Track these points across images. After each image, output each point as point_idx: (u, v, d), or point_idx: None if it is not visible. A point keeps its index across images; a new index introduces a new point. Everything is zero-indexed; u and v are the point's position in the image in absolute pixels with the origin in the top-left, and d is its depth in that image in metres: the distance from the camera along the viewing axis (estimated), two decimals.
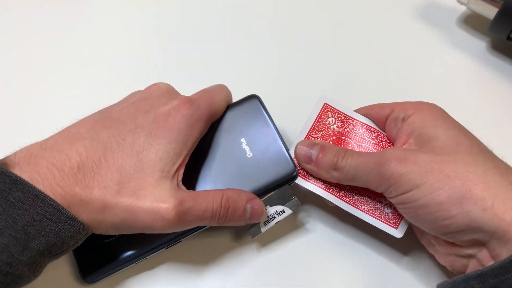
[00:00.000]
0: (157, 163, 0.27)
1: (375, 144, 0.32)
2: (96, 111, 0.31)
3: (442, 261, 0.29)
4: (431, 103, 0.31)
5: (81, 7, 0.45)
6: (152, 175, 0.27)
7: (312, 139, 0.32)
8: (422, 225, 0.28)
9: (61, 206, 0.24)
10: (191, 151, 0.29)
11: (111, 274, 0.31)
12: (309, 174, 0.32)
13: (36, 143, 0.27)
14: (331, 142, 0.32)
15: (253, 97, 0.34)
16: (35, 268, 0.24)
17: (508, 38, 0.39)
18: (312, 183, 0.31)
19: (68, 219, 0.25)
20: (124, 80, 0.41)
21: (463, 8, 0.43)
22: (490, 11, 0.39)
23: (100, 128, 0.28)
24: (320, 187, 0.31)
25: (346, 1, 0.46)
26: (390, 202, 0.30)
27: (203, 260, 0.33)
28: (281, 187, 0.31)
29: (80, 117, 0.30)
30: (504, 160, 0.28)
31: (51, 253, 0.25)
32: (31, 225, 0.24)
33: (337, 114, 0.31)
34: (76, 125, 0.29)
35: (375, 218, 0.30)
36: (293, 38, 0.44)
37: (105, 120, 0.29)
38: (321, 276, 0.33)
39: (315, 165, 0.31)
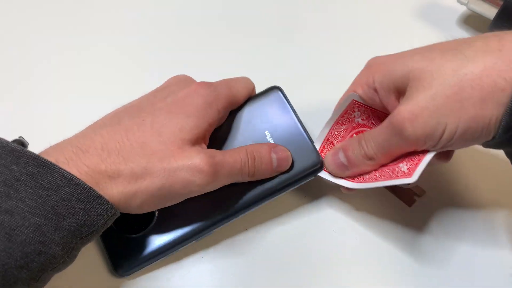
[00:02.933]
0: (177, 134, 0.28)
1: None
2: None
3: None
4: (371, 58, 0.31)
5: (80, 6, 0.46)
6: (176, 144, 0.28)
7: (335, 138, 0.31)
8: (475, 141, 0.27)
9: (88, 185, 0.25)
10: (211, 130, 0.30)
11: (143, 266, 0.32)
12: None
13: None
14: (354, 135, 0.31)
15: (275, 89, 0.33)
16: (67, 249, 0.25)
17: None
18: (338, 177, 0.31)
19: (95, 197, 0.25)
20: (135, 80, 0.41)
21: (463, 8, 0.43)
22: (490, 11, 0.39)
23: (122, 116, 0.29)
24: (346, 179, 0.31)
25: (346, 1, 0.46)
26: (408, 159, 0.29)
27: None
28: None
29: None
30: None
31: (82, 233, 0.25)
32: (61, 205, 0.24)
33: (363, 108, 0.30)
34: (102, 118, 0.30)
35: (391, 179, 0.29)
36: (292, 37, 0.44)
37: (126, 109, 0.30)
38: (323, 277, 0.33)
39: (351, 166, 0.30)
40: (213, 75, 0.33)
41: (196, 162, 0.27)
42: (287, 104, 0.33)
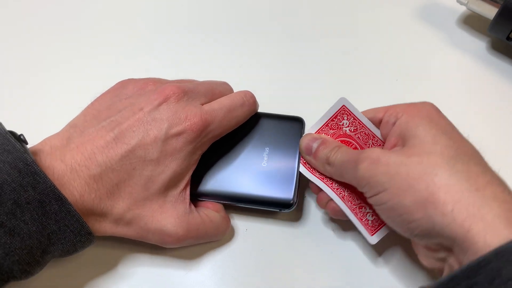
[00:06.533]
0: (162, 191, 0.30)
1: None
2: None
3: (423, 262, 0.29)
4: (425, 103, 0.30)
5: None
6: (158, 202, 0.30)
7: (323, 134, 0.32)
8: (395, 227, 0.27)
9: (85, 223, 0.27)
10: (194, 168, 0.32)
11: None
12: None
13: (60, 145, 0.29)
14: (339, 141, 0.32)
15: (298, 120, 0.35)
16: (43, 266, 0.27)
17: (508, 38, 0.40)
18: (311, 172, 0.32)
19: (87, 233, 0.28)
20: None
21: (463, 8, 0.43)
22: (490, 11, 0.39)
23: (113, 154, 0.29)
24: (317, 177, 0.32)
25: (345, 2, 0.47)
26: (373, 211, 0.30)
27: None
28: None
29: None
30: (497, 171, 0.26)
31: (61, 256, 0.28)
32: (56, 233, 0.26)
33: (352, 118, 0.32)
34: (90, 139, 0.29)
35: (357, 218, 0.31)
36: (293, 38, 0.44)
37: (118, 138, 0.29)
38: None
39: (313, 156, 0.32)
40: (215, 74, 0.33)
41: (169, 231, 0.30)
42: (300, 137, 0.34)
